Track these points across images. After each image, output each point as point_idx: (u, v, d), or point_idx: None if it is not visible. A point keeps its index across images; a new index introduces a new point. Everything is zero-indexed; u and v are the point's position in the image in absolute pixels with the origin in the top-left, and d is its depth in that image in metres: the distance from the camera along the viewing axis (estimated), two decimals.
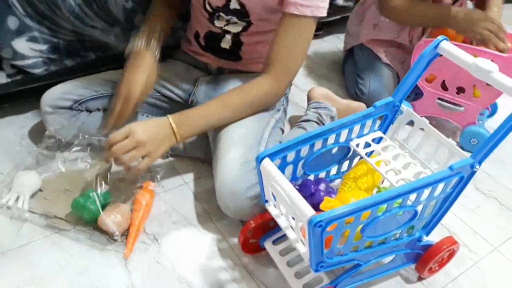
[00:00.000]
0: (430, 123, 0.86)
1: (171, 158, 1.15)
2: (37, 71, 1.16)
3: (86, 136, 1.07)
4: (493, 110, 1.44)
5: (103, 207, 0.93)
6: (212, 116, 0.98)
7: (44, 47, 1.15)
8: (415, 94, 1.39)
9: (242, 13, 1.04)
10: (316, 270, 0.72)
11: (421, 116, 0.87)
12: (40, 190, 1.02)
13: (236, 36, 1.10)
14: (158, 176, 1.03)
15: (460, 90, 1.27)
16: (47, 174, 1.04)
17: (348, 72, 1.56)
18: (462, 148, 1.31)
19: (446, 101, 1.34)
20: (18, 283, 0.84)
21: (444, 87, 1.29)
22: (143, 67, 1.01)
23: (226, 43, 1.12)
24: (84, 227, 0.94)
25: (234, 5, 1.02)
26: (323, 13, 0.97)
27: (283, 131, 1.13)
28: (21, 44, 1.11)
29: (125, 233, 0.93)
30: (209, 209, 1.03)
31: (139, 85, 1.00)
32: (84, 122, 1.09)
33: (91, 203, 0.91)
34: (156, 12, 1.11)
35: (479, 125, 1.30)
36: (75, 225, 0.94)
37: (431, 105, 1.33)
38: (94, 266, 0.88)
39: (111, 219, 0.90)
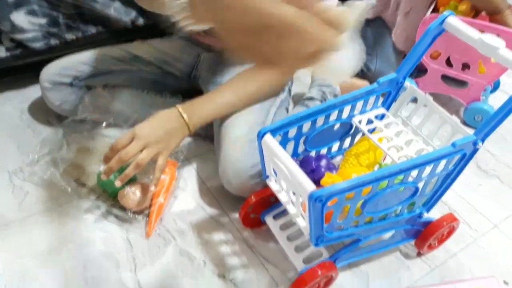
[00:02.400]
0: (434, 100, 0.85)
1: None
2: (37, 45, 1.15)
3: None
4: (495, 85, 1.43)
5: (127, 183, 0.91)
6: (224, 105, 0.96)
7: (43, 20, 1.13)
8: (418, 71, 1.38)
9: None
10: (316, 245, 0.72)
11: (425, 93, 0.86)
12: (75, 157, 1.03)
13: None
14: (182, 156, 1.02)
15: (465, 66, 1.26)
16: (83, 145, 1.05)
17: None
18: (466, 125, 1.31)
19: (450, 78, 1.32)
20: (21, 255, 0.85)
21: (448, 63, 1.28)
22: None
23: None
24: (106, 200, 0.95)
25: None
26: None
27: (287, 110, 1.12)
28: (19, 17, 1.10)
29: (145, 212, 0.93)
30: (210, 184, 1.03)
31: None
32: (83, 99, 1.08)
33: (114, 178, 0.90)
34: None
35: (483, 101, 1.29)
36: (98, 196, 0.96)
37: (436, 82, 1.31)
38: (96, 239, 0.89)
39: (131, 195, 0.90)
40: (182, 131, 0.92)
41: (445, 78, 1.31)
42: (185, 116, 0.91)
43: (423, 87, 1.33)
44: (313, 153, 0.90)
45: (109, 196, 0.94)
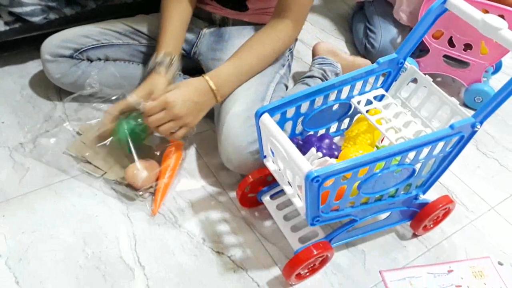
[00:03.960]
0: (434, 80, 0.84)
1: None
2: (36, 19, 1.13)
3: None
4: (497, 67, 1.41)
5: (134, 140, 0.91)
6: (247, 70, 0.98)
7: None
8: (420, 51, 1.37)
9: None
10: (312, 224, 0.73)
11: (426, 74, 0.85)
12: (79, 133, 1.03)
13: None
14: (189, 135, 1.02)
15: (467, 47, 1.24)
16: (86, 121, 1.05)
17: (358, 27, 1.52)
18: (466, 106, 1.31)
19: (452, 58, 1.31)
20: (22, 230, 0.86)
21: (451, 43, 1.26)
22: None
23: None
24: (112, 177, 0.95)
25: None
26: None
27: (287, 87, 1.12)
28: None
29: (150, 189, 0.94)
30: (210, 163, 1.04)
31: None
32: (84, 72, 1.08)
33: (126, 124, 0.91)
34: (174, 11, 1.04)
35: (484, 82, 1.28)
36: (104, 173, 0.96)
37: (437, 62, 1.30)
38: (96, 215, 0.90)
39: (138, 173, 0.91)
40: (210, 103, 0.94)
41: (447, 58, 1.30)
42: (213, 87, 0.92)
43: (424, 67, 1.32)
44: (322, 131, 0.90)
45: (133, 143, 0.91)
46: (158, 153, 0.99)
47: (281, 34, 1.00)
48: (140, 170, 0.91)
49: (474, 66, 1.26)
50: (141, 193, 0.93)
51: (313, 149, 0.74)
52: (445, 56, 1.29)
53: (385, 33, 1.41)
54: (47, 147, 1.00)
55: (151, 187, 0.94)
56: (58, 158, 0.99)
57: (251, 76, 0.99)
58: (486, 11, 1.11)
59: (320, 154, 0.72)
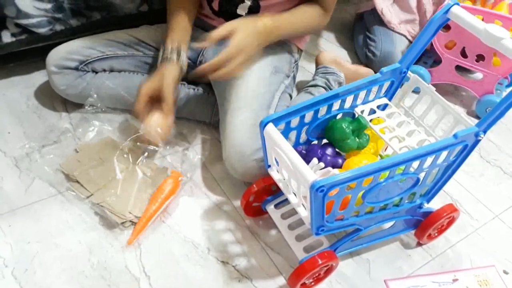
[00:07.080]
0: (442, 91, 0.85)
1: (176, 121, 1.15)
2: (42, 30, 1.15)
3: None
4: None
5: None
6: (288, 25, 1.02)
7: (48, 6, 1.13)
8: (433, 62, 1.37)
9: None
10: (317, 234, 0.73)
11: (437, 84, 0.86)
12: (76, 151, 1.03)
13: (255, 1, 1.06)
14: (188, 175, 1.01)
15: (480, 58, 1.24)
16: (85, 139, 1.06)
17: (358, 36, 1.53)
18: (478, 117, 1.31)
19: (464, 69, 1.31)
20: (28, 239, 0.87)
21: (463, 54, 1.26)
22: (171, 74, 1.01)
23: (242, 9, 1.08)
24: (97, 200, 0.92)
25: None
26: None
27: (291, 97, 1.13)
28: (24, 2, 1.09)
29: (132, 218, 0.91)
30: (214, 172, 1.04)
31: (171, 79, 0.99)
32: (89, 83, 1.09)
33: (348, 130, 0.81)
34: (180, 6, 1.07)
35: (497, 94, 1.28)
36: (90, 195, 0.93)
37: (449, 72, 1.30)
38: (102, 224, 0.90)
39: (154, 130, 0.96)
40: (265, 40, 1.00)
41: (460, 69, 1.30)
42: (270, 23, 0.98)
43: (437, 77, 1.32)
44: (326, 140, 0.90)
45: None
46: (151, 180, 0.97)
47: (319, 20, 1.06)
48: (155, 127, 0.95)
49: (486, 78, 1.26)
50: (122, 221, 0.89)
51: (315, 160, 0.74)
52: (457, 66, 1.29)
53: (385, 41, 1.42)
54: (52, 157, 1.01)
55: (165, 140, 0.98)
56: (51, 174, 0.99)
57: (288, 32, 1.04)
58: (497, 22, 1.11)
59: (322, 164, 0.73)
